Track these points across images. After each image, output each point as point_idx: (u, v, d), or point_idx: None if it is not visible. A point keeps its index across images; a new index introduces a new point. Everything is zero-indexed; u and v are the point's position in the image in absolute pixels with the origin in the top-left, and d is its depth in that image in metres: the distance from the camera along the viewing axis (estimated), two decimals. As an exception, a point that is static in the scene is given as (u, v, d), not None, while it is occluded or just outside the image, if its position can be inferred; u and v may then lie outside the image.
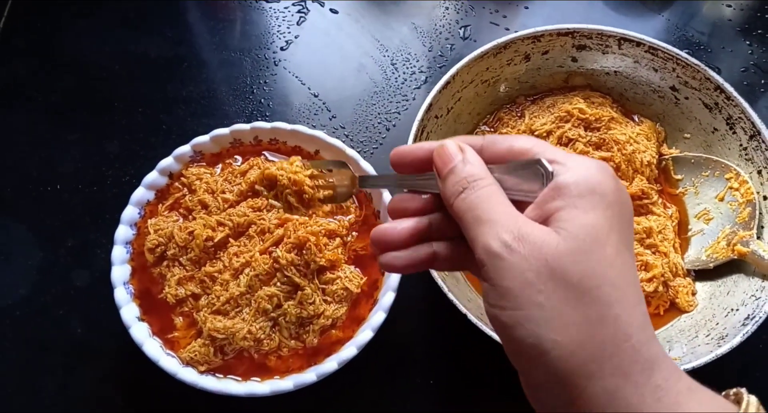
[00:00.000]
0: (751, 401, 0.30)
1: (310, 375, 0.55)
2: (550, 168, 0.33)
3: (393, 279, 0.58)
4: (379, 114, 0.76)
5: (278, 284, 0.57)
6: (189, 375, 0.55)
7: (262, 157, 0.66)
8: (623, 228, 0.32)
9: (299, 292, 0.57)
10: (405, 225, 0.38)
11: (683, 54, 0.65)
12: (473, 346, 0.62)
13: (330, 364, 0.55)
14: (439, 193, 0.37)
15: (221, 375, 0.56)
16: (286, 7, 0.83)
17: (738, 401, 0.31)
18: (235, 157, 0.66)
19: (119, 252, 0.59)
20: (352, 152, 0.63)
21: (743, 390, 0.31)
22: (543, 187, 0.33)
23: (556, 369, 0.30)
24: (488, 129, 0.71)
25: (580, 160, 0.33)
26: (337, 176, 0.50)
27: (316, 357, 0.57)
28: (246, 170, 0.65)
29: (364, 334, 0.56)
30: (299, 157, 0.53)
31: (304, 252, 0.58)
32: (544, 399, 0.32)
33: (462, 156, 0.36)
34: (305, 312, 0.57)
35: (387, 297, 0.57)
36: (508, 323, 0.31)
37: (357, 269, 0.61)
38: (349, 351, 0.55)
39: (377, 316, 0.57)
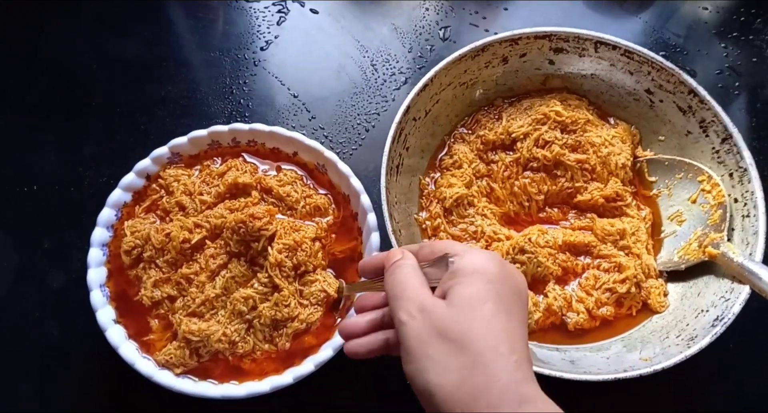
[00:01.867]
0: None
1: (286, 378, 0.55)
2: (451, 259, 0.43)
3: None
4: (358, 115, 0.76)
5: (256, 285, 0.58)
6: (165, 378, 0.55)
7: (241, 158, 0.66)
8: (501, 299, 0.40)
9: (276, 294, 0.57)
10: (366, 317, 0.47)
11: (658, 57, 0.66)
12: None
13: (306, 366, 0.55)
14: None
15: (197, 378, 0.56)
16: (266, 7, 0.83)
17: None
18: (214, 158, 0.66)
19: (95, 255, 0.59)
20: (330, 154, 0.64)
21: None
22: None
23: (442, 408, 0.37)
24: (466, 131, 0.72)
25: (476, 252, 0.43)
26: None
27: (292, 360, 0.58)
28: (224, 172, 0.65)
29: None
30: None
31: (297, 254, 0.59)
32: None
33: (401, 255, 0.46)
34: (280, 315, 0.58)
35: None
36: (410, 374, 0.39)
37: (332, 272, 0.62)
38: (325, 353, 0.56)
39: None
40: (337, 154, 0.72)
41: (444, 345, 0.38)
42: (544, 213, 0.69)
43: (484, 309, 0.39)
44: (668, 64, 0.66)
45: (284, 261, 0.58)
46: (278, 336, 0.58)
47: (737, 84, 0.79)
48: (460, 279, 0.41)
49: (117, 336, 0.56)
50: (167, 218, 0.62)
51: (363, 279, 0.52)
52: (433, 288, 0.43)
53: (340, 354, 0.56)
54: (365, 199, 0.61)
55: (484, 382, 0.36)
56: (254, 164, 0.66)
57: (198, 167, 0.66)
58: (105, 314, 0.57)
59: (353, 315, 0.51)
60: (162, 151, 0.64)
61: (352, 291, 0.57)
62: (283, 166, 0.66)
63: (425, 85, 0.65)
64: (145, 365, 0.55)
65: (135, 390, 0.60)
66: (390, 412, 0.63)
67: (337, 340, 0.56)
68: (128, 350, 0.56)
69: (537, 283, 0.64)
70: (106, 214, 0.61)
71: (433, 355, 0.38)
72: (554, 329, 0.63)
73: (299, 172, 0.66)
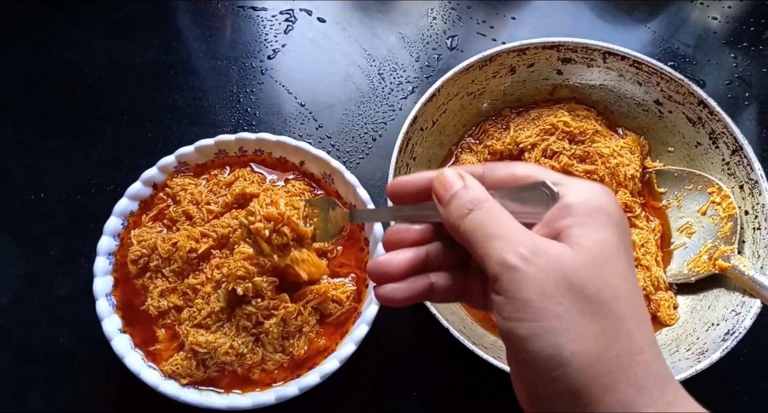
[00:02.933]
0: None
1: (292, 389, 0.55)
2: (555, 189, 0.34)
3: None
4: (365, 124, 0.76)
5: (253, 303, 0.57)
6: (170, 388, 0.55)
7: (248, 168, 0.66)
8: (629, 250, 0.33)
9: (281, 310, 0.57)
10: (402, 256, 0.38)
11: (667, 68, 0.66)
12: (456, 359, 0.62)
13: (312, 378, 0.55)
14: (434, 223, 0.38)
15: (203, 388, 0.56)
16: (273, 16, 0.83)
17: None
18: (222, 168, 0.66)
19: (102, 264, 0.59)
20: (337, 164, 0.64)
21: None
22: (548, 209, 0.34)
23: (574, 381, 0.30)
24: (473, 141, 0.71)
25: (582, 182, 0.35)
26: (326, 213, 0.50)
27: (300, 369, 0.57)
28: (231, 181, 0.65)
29: (347, 347, 0.56)
30: (286, 197, 0.53)
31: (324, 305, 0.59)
32: (552, 407, 0.32)
33: (463, 182, 0.36)
34: (291, 327, 0.57)
35: (370, 310, 0.58)
36: (526, 335, 0.31)
37: (344, 280, 0.62)
38: (331, 364, 0.55)
39: (360, 329, 0.57)
40: (344, 163, 0.72)
41: (577, 303, 0.30)
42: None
43: (620, 261, 0.32)
44: (677, 74, 0.65)
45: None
46: (291, 346, 0.57)
47: (747, 94, 0.79)
48: (582, 218, 0.32)
49: (123, 345, 0.56)
50: (174, 227, 0.62)
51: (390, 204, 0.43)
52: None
53: (347, 363, 0.56)
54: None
55: (628, 355, 0.30)
56: (262, 174, 0.66)
57: (205, 176, 0.66)
58: (111, 323, 0.56)
59: (381, 252, 0.42)
60: (169, 160, 0.64)
61: (369, 219, 0.47)
62: (290, 178, 0.66)
63: (432, 95, 0.65)
64: (151, 375, 0.55)
65: (143, 399, 0.60)
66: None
67: (344, 351, 0.56)
68: (134, 359, 0.55)
69: (545, 295, 0.64)
70: (113, 223, 0.61)
71: (563, 315, 0.30)
72: (562, 341, 0.63)
73: (306, 185, 0.66)
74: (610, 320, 0.30)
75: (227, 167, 0.66)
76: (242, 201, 0.64)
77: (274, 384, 0.57)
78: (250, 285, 0.56)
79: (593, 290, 0.31)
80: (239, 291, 0.55)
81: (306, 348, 0.58)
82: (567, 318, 0.30)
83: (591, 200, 0.33)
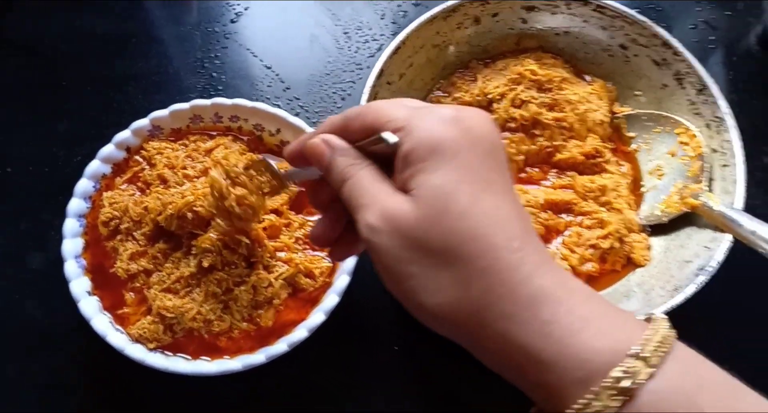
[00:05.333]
0: (655, 333, 0.30)
1: (259, 357, 0.54)
2: (391, 140, 0.33)
3: (348, 263, 0.58)
4: (333, 84, 0.76)
5: (226, 269, 0.57)
6: (136, 351, 0.54)
7: (230, 137, 0.65)
8: (477, 172, 0.32)
9: (253, 276, 0.57)
10: (331, 217, 0.40)
11: (630, 11, 0.66)
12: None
13: (280, 346, 0.54)
14: None
15: (170, 353, 0.56)
16: (235, -21, 0.82)
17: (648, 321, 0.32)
18: (201, 136, 0.65)
19: (71, 225, 0.58)
20: (312, 131, 0.63)
21: (658, 319, 0.32)
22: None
23: (452, 327, 0.32)
24: (442, 94, 0.71)
25: (423, 117, 0.33)
26: (265, 176, 0.50)
27: (268, 338, 0.57)
28: (212, 148, 0.64)
29: (316, 316, 0.56)
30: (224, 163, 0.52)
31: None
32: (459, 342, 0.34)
33: (329, 149, 0.36)
34: (261, 296, 0.57)
35: (341, 280, 0.57)
36: (398, 296, 0.33)
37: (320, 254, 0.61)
38: (299, 333, 0.55)
39: (330, 299, 0.56)
40: (314, 123, 0.72)
41: (427, 259, 0.31)
42: (525, 174, 0.68)
43: (459, 198, 0.31)
44: (640, 17, 0.65)
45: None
46: (258, 316, 0.57)
47: (712, 38, 0.79)
48: (418, 166, 0.32)
49: (90, 307, 0.55)
50: (148, 191, 0.62)
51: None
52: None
53: (315, 333, 0.56)
54: None
55: (489, 290, 0.30)
56: (243, 146, 0.65)
57: (183, 142, 0.65)
58: (79, 285, 0.56)
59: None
60: (143, 123, 0.63)
61: (299, 176, 0.47)
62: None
63: (397, 48, 0.64)
64: (117, 338, 0.54)
65: (122, 372, 0.59)
66: (373, 388, 0.62)
67: (313, 320, 0.56)
68: (101, 322, 0.55)
69: (519, 242, 0.64)
70: (84, 185, 0.60)
71: (417, 273, 0.31)
72: (538, 287, 0.63)
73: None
74: (461, 264, 0.31)
75: (202, 135, 0.65)
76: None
77: (241, 353, 0.56)
78: (219, 258, 0.55)
79: (437, 241, 0.31)
80: (204, 264, 0.55)
81: (274, 319, 0.58)
82: (421, 276, 0.31)
83: (426, 142, 0.32)
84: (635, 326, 0.31)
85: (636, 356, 0.29)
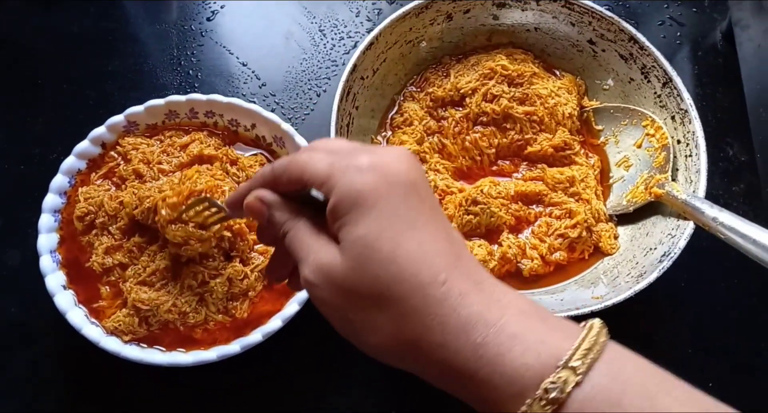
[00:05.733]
0: (584, 340, 0.32)
1: (234, 347, 0.55)
2: (320, 197, 0.36)
3: None
4: (309, 80, 0.77)
5: (204, 261, 0.57)
6: (112, 344, 0.55)
7: (205, 132, 0.66)
8: (397, 215, 0.33)
9: (229, 269, 0.58)
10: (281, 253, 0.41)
11: (597, 7, 0.67)
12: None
13: (255, 336, 0.55)
14: None
15: (145, 345, 0.56)
16: (211, -23, 0.82)
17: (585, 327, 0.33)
18: (176, 132, 0.66)
19: (46, 220, 0.59)
20: (287, 127, 0.63)
21: (589, 326, 0.33)
22: None
23: (394, 359, 0.34)
24: (415, 89, 0.72)
25: (343, 171, 0.34)
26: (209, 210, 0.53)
27: (244, 329, 0.58)
28: (187, 143, 0.65)
29: (291, 307, 0.57)
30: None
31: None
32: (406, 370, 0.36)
33: (265, 207, 0.38)
34: (236, 289, 0.58)
35: None
36: (345, 337, 0.35)
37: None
38: (274, 323, 0.56)
39: (305, 291, 0.57)
40: (290, 119, 0.73)
41: (361, 303, 0.33)
42: (496, 167, 0.70)
43: (382, 247, 0.32)
44: (607, 13, 0.67)
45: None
46: (234, 308, 0.58)
47: (679, 34, 0.81)
48: (343, 219, 0.34)
49: (66, 301, 0.56)
50: (123, 186, 0.62)
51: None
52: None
53: (293, 327, 0.57)
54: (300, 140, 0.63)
55: (422, 325, 0.32)
56: (218, 141, 0.66)
57: (159, 137, 0.65)
58: (54, 279, 0.56)
59: None
60: (118, 119, 0.64)
61: (238, 217, 0.48)
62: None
63: (371, 43, 0.65)
64: (93, 331, 0.55)
65: (101, 367, 0.60)
66: (354, 381, 0.63)
67: (287, 311, 0.57)
68: (76, 315, 0.55)
69: (491, 233, 0.65)
70: (59, 181, 0.60)
71: (354, 319, 0.34)
72: (510, 276, 0.64)
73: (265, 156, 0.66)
74: (392, 306, 0.32)
75: (177, 131, 0.66)
76: (199, 162, 0.64)
77: (216, 344, 0.57)
78: (197, 249, 0.56)
79: (366, 288, 0.33)
80: (183, 258, 0.57)
81: (249, 311, 0.58)
82: (357, 320, 0.34)
83: (347, 195, 0.33)
84: (567, 335, 0.32)
85: (564, 366, 0.31)
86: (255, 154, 0.66)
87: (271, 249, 0.51)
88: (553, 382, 0.30)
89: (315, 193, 0.36)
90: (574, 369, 0.30)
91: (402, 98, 0.72)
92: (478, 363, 0.32)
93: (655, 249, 0.61)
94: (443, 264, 0.33)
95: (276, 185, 0.38)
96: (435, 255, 0.33)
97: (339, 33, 0.80)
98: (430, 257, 0.33)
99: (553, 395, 0.30)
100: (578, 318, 0.54)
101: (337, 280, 0.33)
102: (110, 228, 0.59)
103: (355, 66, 0.64)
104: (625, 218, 0.66)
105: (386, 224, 0.33)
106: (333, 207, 0.34)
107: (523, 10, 0.71)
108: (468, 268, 0.34)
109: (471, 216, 0.64)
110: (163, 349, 0.56)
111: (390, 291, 0.32)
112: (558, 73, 0.74)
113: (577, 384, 0.30)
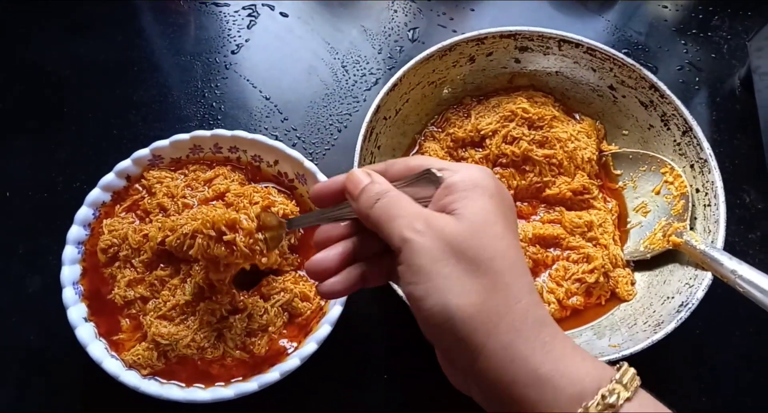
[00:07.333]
0: (628, 370, 0.36)
1: (251, 385, 0.55)
2: (438, 174, 0.40)
3: None
4: (330, 116, 0.78)
5: (216, 297, 0.58)
6: (131, 378, 0.55)
7: (228, 167, 0.67)
8: (507, 215, 0.39)
9: (249, 306, 0.58)
10: (334, 251, 0.43)
11: (620, 54, 0.68)
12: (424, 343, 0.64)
13: (272, 375, 0.56)
14: (355, 219, 0.43)
15: (164, 380, 0.57)
16: (236, 11, 0.84)
17: (619, 368, 0.36)
18: (200, 166, 0.66)
19: (70, 252, 0.59)
20: (309, 164, 0.64)
21: (625, 363, 0.37)
22: (436, 190, 0.40)
23: (460, 331, 0.35)
24: (436, 129, 0.73)
25: (464, 165, 0.41)
26: (265, 222, 0.52)
27: (261, 366, 0.58)
28: (211, 178, 0.65)
29: (309, 346, 0.57)
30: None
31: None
32: (453, 360, 0.39)
33: (369, 178, 0.42)
34: (255, 324, 0.58)
35: (334, 310, 0.58)
36: (420, 295, 0.37)
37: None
38: (292, 362, 0.56)
39: (323, 329, 0.58)
40: (311, 154, 0.74)
41: (461, 264, 0.36)
42: (515, 209, 0.70)
43: (496, 225, 0.38)
44: (629, 60, 0.68)
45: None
46: (252, 344, 0.58)
47: (697, 79, 0.82)
48: (462, 194, 0.38)
49: (87, 333, 0.56)
50: (147, 219, 0.63)
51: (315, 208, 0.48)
52: None
53: (307, 361, 0.57)
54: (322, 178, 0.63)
55: (505, 304, 0.35)
56: (242, 176, 0.67)
57: (183, 171, 0.66)
58: (76, 311, 0.57)
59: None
60: (143, 152, 0.64)
61: (302, 224, 0.51)
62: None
63: (394, 85, 0.66)
64: (113, 364, 0.56)
65: (117, 399, 0.60)
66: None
67: (305, 349, 0.57)
68: (97, 348, 0.56)
69: (508, 276, 0.65)
70: (84, 213, 0.61)
71: (449, 275, 0.36)
72: (526, 320, 0.65)
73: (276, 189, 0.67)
74: (489, 276, 0.36)
75: (200, 165, 0.67)
76: (223, 198, 0.64)
77: (233, 380, 0.57)
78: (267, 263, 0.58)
79: (473, 252, 0.36)
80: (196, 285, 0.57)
81: (267, 347, 0.59)
82: (452, 277, 0.36)
83: (468, 179, 0.39)
84: (605, 367, 0.36)
85: (618, 381, 0.35)
86: (266, 187, 0.67)
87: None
88: (609, 391, 0.34)
89: (435, 171, 0.40)
90: (625, 385, 0.35)
91: (423, 138, 0.73)
92: (545, 357, 0.35)
93: (673, 298, 0.61)
94: (528, 271, 0.39)
95: (384, 173, 0.43)
96: (524, 261, 0.39)
97: (361, 69, 0.81)
98: (523, 260, 0.39)
99: (610, 400, 0.33)
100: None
101: (448, 236, 0.37)
102: (133, 260, 0.60)
103: (378, 107, 0.65)
104: (642, 264, 0.67)
105: (500, 213, 0.38)
106: (453, 183, 0.39)
107: (545, 55, 0.72)
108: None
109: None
110: (182, 384, 0.57)
111: (491, 262, 0.36)
112: (578, 116, 0.74)
113: (628, 399, 0.34)
